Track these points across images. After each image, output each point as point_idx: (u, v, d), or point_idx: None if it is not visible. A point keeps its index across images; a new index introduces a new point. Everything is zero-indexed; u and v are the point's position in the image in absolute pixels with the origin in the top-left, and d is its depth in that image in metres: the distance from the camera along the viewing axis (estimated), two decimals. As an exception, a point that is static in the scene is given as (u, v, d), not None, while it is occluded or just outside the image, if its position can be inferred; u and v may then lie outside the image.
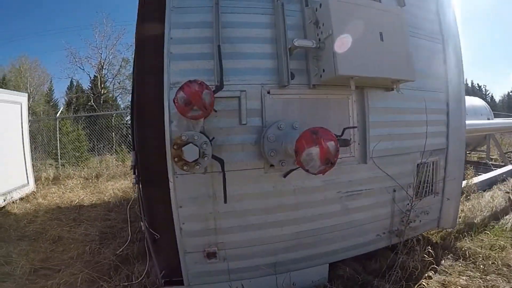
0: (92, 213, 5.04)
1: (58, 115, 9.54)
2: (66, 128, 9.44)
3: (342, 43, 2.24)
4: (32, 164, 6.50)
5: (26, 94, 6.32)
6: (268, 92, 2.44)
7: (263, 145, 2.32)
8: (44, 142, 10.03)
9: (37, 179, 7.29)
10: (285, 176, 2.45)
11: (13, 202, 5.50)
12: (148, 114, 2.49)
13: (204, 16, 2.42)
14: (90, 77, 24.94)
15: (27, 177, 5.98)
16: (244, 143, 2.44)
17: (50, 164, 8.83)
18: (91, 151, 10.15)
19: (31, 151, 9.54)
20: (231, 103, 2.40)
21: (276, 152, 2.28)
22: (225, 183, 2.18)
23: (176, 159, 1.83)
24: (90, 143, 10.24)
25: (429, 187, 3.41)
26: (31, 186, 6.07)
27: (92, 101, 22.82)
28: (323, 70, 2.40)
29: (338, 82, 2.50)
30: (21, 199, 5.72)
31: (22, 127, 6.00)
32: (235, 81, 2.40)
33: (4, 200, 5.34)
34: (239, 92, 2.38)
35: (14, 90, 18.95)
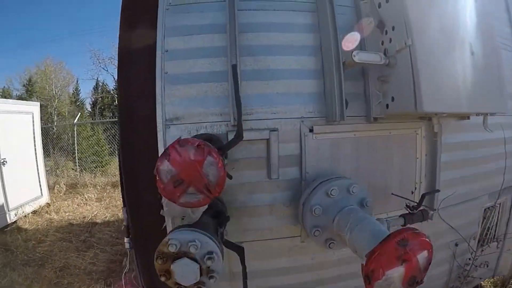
0: (104, 234, 4.22)
1: (75, 120, 8.55)
2: (86, 132, 8.59)
3: (427, 63, 1.24)
4: (46, 171, 5.69)
5: (38, 103, 5.43)
6: (311, 131, 1.45)
7: (302, 216, 1.35)
8: (64, 145, 9.12)
9: (55, 184, 6.55)
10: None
11: (25, 216, 4.72)
12: (138, 161, 1.53)
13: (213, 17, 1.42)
14: (114, 78, 23.94)
15: (41, 188, 5.18)
16: (274, 205, 1.49)
17: (71, 168, 8.04)
18: (111, 154, 8.98)
19: (53, 152, 8.85)
20: (256, 148, 1.43)
21: (323, 230, 1.31)
22: (245, 278, 1.23)
23: (163, 277, 0.89)
24: (110, 146, 9.02)
25: (492, 233, 2.42)
26: (45, 198, 5.27)
27: (116, 102, 21.90)
28: (392, 99, 1.40)
29: (408, 115, 1.51)
30: (34, 212, 4.93)
31: (34, 137, 5.16)
32: (261, 114, 1.42)
33: (16, 215, 4.56)
34: (268, 133, 1.40)
35: (40, 91, 18.30)
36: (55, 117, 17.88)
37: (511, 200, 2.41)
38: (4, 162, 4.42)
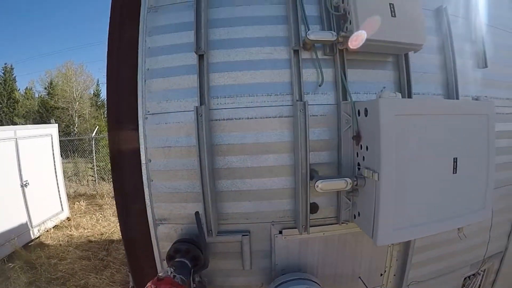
0: (120, 253, 4.66)
1: (93, 134, 9.04)
2: (105, 140, 9.10)
3: (391, 199, 1.27)
4: (66, 178, 6.23)
5: (56, 125, 5.92)
6: (280, 232, 1.61)
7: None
8: (85, 147, 9.78)
9: (75, 194, 7.16)
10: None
11: (47, 231, 5.30)
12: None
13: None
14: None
15: (61, 204, 5.76)
16: (249, 285, 1.70)
17: (90, 175, 8.68)
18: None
19: (76, 156, 9.58)
20: (231, 245, 1.63)
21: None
22: None
23: None
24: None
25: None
26: (65, 213, 5.86)
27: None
28: (358, 214, 1.50)
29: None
30: (55, 226, 5.52)
31: (53, 156, 5.68)
32: (236, 220, 1.61)
33: (39, 231, 5.15)
34: (241, 236, 1.58)
35: (61, 93, 19.38)
36: (76, 119, 19.04)
37: (499, 263, 2.44)
38: (27, 184, 4.95)
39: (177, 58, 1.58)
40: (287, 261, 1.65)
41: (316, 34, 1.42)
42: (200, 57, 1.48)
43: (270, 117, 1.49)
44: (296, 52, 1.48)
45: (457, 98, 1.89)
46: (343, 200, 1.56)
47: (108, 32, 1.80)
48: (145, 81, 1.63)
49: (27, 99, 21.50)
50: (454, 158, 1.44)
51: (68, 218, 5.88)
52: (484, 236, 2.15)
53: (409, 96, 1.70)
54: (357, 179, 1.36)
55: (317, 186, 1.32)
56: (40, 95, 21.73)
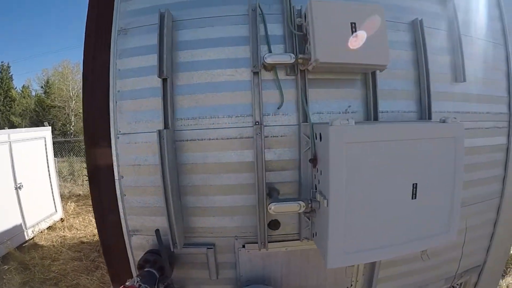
0: None
1: None
2: None
3: (341, 224, 1.37)
4: (62, 177, 6.59)
5: (49, 128, 6.27)
6: (243, 246, 1.79)
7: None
8: (82, 146, 10.27)
9: (71, 195, 7.55)
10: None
11: (41, 232, 5.68)
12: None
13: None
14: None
15: (55, 205, 6.14)
16: None
17: (85, 175, 9.09)
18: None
19: (72, 155, 10.05)
20: (199, 256, 1.83)
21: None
22: None
23: None
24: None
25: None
26: (59, 214, 6.25)
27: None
28: (315, 234, 1.65)
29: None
30: (49, 227, 5.91)
31: (47, 158, 6.04)
32: (201, 234, 1.80)
33: (33, 232, 5.53)
34: (206, 249, 1.78)
35: (58, 92, 20.07)
36: (73, 117, 19.69)
37: (477, 276, 2.55)
38: (21, 187, 5.31)
39: (144, 81, 1.75)
40: (251, 273, 1.84)
41: (273, 57, 1.55)
42: (164, 80, 1.65)
43: (231, 138, 1.66)
44: (256, 73, 1.63)
45: (430, 116, 1.95)
46: (303, 218, 1.72)
47: (83, 54, 2.00)
48: (116, 102, 1.81)
49: (24, 97, 22.40)
50: (413, 184, 1.48)
51: (61, 219, 6.26)
52: (458, 252, 2.27)
53: (375, 116, 1.79)
54: (312, 202, 1.49)
55: (270, 209, 1.47)
56: (37, 93, 22.63)
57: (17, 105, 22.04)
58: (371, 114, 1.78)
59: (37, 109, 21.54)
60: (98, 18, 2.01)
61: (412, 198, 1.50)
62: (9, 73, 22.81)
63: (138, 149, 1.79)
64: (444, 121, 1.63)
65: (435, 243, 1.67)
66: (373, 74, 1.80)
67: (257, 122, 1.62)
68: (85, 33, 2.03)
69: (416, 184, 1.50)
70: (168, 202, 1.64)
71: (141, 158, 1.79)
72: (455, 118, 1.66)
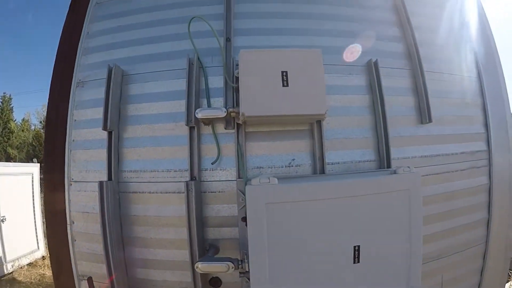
0: None
1: None
2: None
3: None
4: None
5: (38, 164, 6.83)
6: None
7: None
8: None
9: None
10: None
11: (21, 267, 5.94)
12: None
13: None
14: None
15: (38, 242, 6.47)
16: None
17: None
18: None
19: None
20: None
21: None
22: None
23: None
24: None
25: None
26: (41, 251, 6.55)
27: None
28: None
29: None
30: (30, 264, 6.17)
31: (33, 195, 6.49)
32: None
33: (12, 266, 5.82)
34: (145, 306, 1.89)
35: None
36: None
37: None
38: (3, 220, 5.68)
39: (95, 132, 2.01)
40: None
41: (204, 112, 1.69)
42: (109, 133, 1.89)
43: (169, 192, 1.83)
44: (193, 128, 1.82)
45: (389, 164, 1.95)
46: (244, 279, 1.80)
47: (47, 104, 2.32)
48: (70, 151, 2.07)
49: (22, 130, 24.32)
50: (355, 247, 1.46)
51: (43, 257, 6.54)
52: None
53: (322, 168, 1.84)
54: (242, 263, 1.55)
55: (197, 267, 1.55)
56: (35, 128, 24.57)
57: (15, 138, 23.84)
58: (317, 167, 1.84)
59: (34, 143, 23.16)
60: (63, 71, 2.35)
61: (354, 262, 1.46)
62: (10, 104, 24.98)
63: (87, 197, 2.00)
64: (395, 172, 1.63)
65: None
66: (319, 124, 1.90)
67: (194, 177, 1.79)
68: (51, 82, 2.37)
69: (359, 246, 1.47)
70: (106, 251, 1.79)
71: (90, 206, 1.99)
72: (408, 167, 1.66)
